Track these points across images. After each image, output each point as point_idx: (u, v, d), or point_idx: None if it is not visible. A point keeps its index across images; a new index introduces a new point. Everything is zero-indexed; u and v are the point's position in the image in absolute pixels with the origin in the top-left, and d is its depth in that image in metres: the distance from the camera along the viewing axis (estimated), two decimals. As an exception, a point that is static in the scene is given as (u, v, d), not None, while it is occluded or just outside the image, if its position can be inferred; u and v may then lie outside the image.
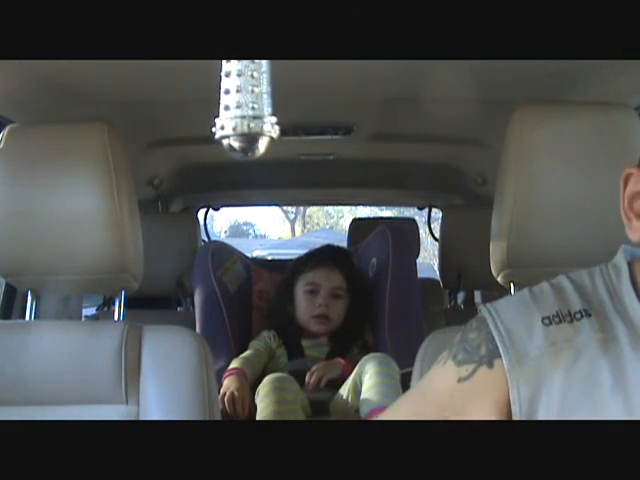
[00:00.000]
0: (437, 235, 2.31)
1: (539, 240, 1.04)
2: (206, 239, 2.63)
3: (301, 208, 16.96)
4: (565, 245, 1.03)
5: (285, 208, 16.33)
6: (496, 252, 1.10)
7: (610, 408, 0.61)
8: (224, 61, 0.55)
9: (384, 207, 10.19)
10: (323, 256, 1.92)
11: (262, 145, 0.54)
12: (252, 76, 0.53)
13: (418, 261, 2.26)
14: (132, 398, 1.09)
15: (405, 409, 0.73)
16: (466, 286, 2.28)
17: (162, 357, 1.11)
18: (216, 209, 2.77)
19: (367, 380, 1.56)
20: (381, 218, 3.99)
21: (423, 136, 1.97)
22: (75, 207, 1.09)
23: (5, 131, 1.13)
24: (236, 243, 2.49)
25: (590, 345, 0.64)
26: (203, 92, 0.86)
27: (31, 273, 1.14)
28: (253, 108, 0.52)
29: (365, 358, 1.62)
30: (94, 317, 2.12)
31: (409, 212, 7.20)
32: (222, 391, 1.63)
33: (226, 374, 1.69)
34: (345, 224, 13.56)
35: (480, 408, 0.66)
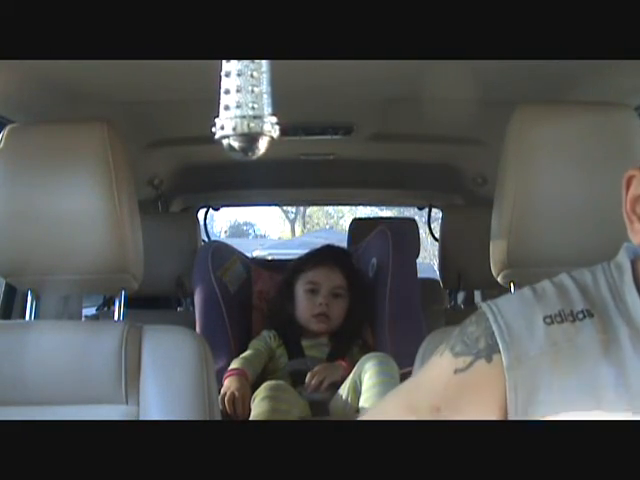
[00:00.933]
0: (437, 235, 2.31)
1: (539, 240, 1.04)
2: (206, 239, 2.63)
3: (301, 208, 16.96)
4: (565, 245, 1.03)
5: (285, 208, 16.33)
6: (496, 252, 1.10)
7: (613, 408, 0.60)
8: (224, 61, 0.55)
9: (384, 207, 10.19)
10: (323, 256, 1.92)
11: (262, 145, 0.53)
12: (252, 76, 0.53)
13: (418, 261, 2.26)
14: (132, 398, 1.09)
15: (397, 400, 0.72)
16: (466, 286, 2.27)
17: (162, 357, 1.11)
18: (216, 209, 2.77)
19: (367, 380, 1.56)
20: (381, 218, 3.99)
21: (423, 136, 1.97)
22: (75, 207, 1.09)
23: (5, 131, 1.13)
24: (236, 243, 2.49)
25: (592, 346, 0.64)
26: (203, 92, 0.86)
27: (31, 273, 1.14)
28: (253, 108, 0.52)
29: (365, 358, 1.61)
30: (94, 317, 2.12)
31: (409, 212, 7.20)
32: (222, 391, 1.62)
33: (227, 374, 1.69)
34: (345, 224, 13.56)
35: (474, 402, 0.65)
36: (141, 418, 1.08)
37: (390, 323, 1.82)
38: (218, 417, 1.16)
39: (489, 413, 0.64)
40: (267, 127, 0.53)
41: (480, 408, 0.65)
